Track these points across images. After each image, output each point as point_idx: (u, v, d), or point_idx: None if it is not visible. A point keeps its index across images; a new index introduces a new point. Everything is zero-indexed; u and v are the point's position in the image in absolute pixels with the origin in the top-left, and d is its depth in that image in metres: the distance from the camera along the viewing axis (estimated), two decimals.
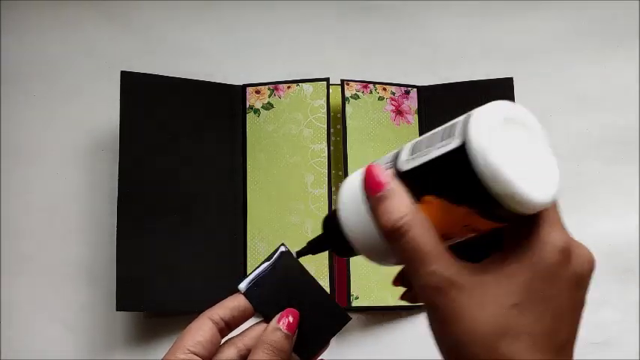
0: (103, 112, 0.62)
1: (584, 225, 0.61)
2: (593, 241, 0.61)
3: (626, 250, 0.60)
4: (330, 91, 0.60)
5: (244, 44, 0.65)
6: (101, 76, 0.63)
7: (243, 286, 0.40)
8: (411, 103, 0.61)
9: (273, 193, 0.59)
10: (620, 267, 0.60)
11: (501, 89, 0.60)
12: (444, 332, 0.31)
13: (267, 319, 0.39)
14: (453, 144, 0.28)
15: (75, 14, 0.65)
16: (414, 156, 0.29)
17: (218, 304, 0.41)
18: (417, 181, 0.29)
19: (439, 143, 0.29)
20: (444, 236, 0.30)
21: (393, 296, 0.57)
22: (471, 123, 0.28)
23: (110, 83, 0.60)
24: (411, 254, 0.29)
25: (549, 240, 0.30)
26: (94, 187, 0.61)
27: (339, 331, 0.40)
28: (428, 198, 0.29)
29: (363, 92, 0.60)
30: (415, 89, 0.61)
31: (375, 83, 0.61)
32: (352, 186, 0.32)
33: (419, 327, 0.58)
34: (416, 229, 0.29)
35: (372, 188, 0.31)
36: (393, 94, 0.61)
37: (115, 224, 0.55)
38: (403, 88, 0.61)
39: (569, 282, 0.31)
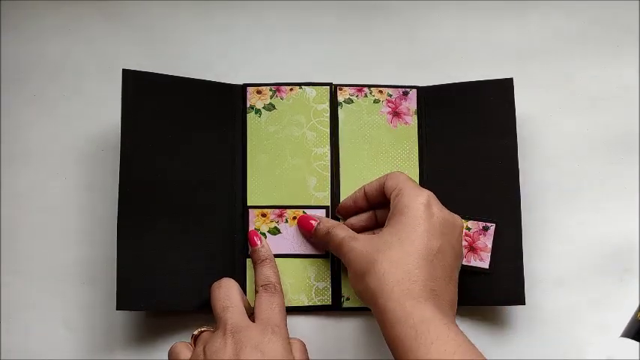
0: (103, 112, 0.62)
1: (584, 225, 0.61)
2: (593, 241, 0.62)
3: (626, 250, 0.60)
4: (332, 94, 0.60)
5: (244, 44, 0.65)
6: (101, 76, 0.63)
7: None
8: (410, 104, 0.61)
9: (275, 195, 0.59)
10: (620, 267, 0.60)
11: (502, 90, 0.60)
12: (345, 264, 0.52)
13: None
14: None
15: (75, 14, 0.65)
16: None
17: None
18: None
19: None
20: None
21: None
22: None
23: (110, 83, 0.60)
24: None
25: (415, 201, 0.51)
26: (94, 187, 0.61)
27: None
28: None
29: (357, 96, 0.60)
30: (414, 90, 0.61)
31: (370, 86, 0.61)
32: None
33: None
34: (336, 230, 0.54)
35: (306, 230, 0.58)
36: (390, 95, 0.61)
37: (115, 224, 0.55)
38: (401, 90, 0.61)
39: (433, 228, 0.49)
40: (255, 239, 0.57)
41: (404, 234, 0.48)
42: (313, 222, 0.56)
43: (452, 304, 0.48)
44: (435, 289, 0.46)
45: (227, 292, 0.53)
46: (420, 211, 0.49)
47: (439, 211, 0.50)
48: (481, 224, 0.57)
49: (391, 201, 0.52)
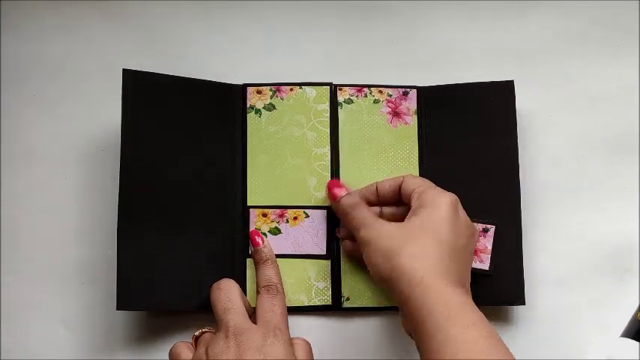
0: (103, 112, 0.62)
1: (584, 225, 0.61)
2: (593, 241, 0.62)
3: (626, 250, 0.60)
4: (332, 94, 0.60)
5: (244, 44, 0.65)
6: (101, 76, 0.63)
7: None
8: (410, 104, 0.61)
9: (275, 195, 0.59)
10: (620, 267, 0.60)
11: (502, 92, 0.60)
12: (364, 253, 0.51)
13: None
14: None
15: (75, 14, 0.65)
16: None
17: None
18: None
19: None
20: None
21: (384, 297, 0.58)
22: None
23: (110, 83, 0.60)
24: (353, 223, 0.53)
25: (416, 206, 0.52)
26: (94, 187, 0.61)
27: None
28: None
29: (357, 96, 0.60)
30: (414, 90, 0.61)
31: (370, 86, 0.60)
32: None
33: None
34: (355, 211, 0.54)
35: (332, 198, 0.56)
36: (390, 95, 0.61)
37: (115, 224, 0.55)
38: (401, 90, 0.61)
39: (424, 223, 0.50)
40: (257, 239, 0.57)
41: (433, 226, 0.49)
42: (339, 191, 0.56)
43: (469, 296, 0.49)
44: (457, 280, 0.47)
45: (227, 293, 0.53)
46: (448, 209, 0.50)
47: (464, 214, 0.51)
48: (481, 226, 0.57)
49: (413, 198, 0.52)
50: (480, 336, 0.43)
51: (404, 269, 0.47)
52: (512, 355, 0.44)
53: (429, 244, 0.48)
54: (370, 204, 0.56)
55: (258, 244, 0.57)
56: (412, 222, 0.50)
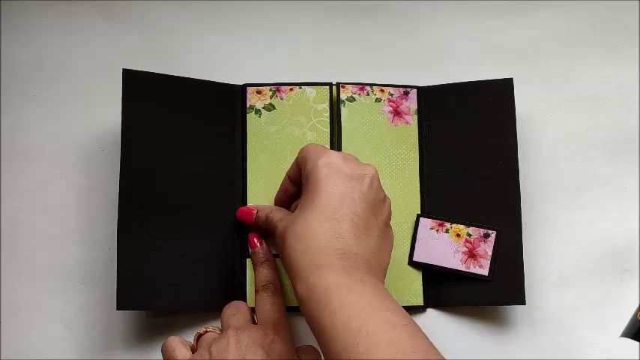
0: (103, 112, 0.62)
1: (584, 225, 0.61)
2: (593, 241, 0.62)
3: (626, 250, 0.60)
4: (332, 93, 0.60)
5: (243, 43, 0.65)
6: (101, 76, 0.63)
7: None
8: (411, 103, 0.61)
9: (274, 194, 0.59)
10: (620, 267, 0.60)
11: (501, 90, 0.60)
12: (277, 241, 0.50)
13: None
14: None
15: (75, 14, 0.65)
16: None
17: None
18: None
19: None
20: None
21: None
22: None
23: (110, 83, 0.60)
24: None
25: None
26: (94, 187, 0.61)
27: None
28: None
29: (359, 94, 0.60)
30: (415, 90, 0.61)
31: (372, 85, 0.61)
32: None
33: None
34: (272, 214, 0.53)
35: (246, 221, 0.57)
36: (391, 95, 0.61)
37: (115, 224, 0.55)
38: (402, 89, 0.61)
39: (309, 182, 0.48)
40: (255, 241, 0.57)
41: (306, 201, 0.46)
42: (253, 211, 0.56)
43: (370, 257, 0.45)
44: (342, 248, 0.44)
45: (236, 305, 0.53)
46: (321, 173, 0.47)
47: (343, 164, 0.47)
48: (482, 231, 0.57)
49: (302, 175, 0.50)
50: (350, 317, 0.40)
51: (288, 271, 0.45)
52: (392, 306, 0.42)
53: (302, 228, 0.45)
54: (294, 195, 0.55)
55: (255, 246, 0.57)
56: (296, 210, 0.48)
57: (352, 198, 0.46)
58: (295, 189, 0.55)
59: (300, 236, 0.45)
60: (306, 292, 0.43)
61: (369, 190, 0.47)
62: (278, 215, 0.53)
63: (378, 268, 0.46)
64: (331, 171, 0.47)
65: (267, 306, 0.52)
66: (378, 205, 0.48)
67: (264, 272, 0.55)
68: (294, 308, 0.57)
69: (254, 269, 0.56)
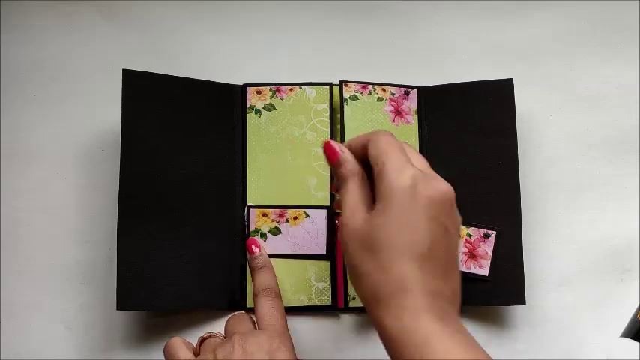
0: (103, 112, 0.62)
1: (584, 225, 0.61)
2: (593, 241, 0.62)
3: (626, 250, 0.60)
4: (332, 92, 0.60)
5: (243, 45, 0.65)
6: (101, 76, 0.63)
7: None
8: (411, 103, 0.61)
9: (275, 195, 0.59)
10: (620, 267, 0.60)
11: (501, 90, 0.60)
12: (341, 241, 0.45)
13: None
14: None
15: (75, 14, 0.65)
16: None
17: None
18: None
19: None
20: None
21: None
22: None
23: (110, 83, 0.60)
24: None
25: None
26: (94, 187, 0.61)
27: None
28: None
29: (362, 93, 0.60)
30: (415, 90, 0.61)
31: (374, 84, 0.61)
32: None
33: None
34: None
35: (329, 160, 0.47)
36: (393, 94, 0.61)
37: (115, 224, 0.55)
38: (403, 89, 0.61)
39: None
40: (253, 247, 0.57)
41: (390, 229, 0.42)
42: (338, 152, 0.46)
43: (454, 296, 0.43)
44: (433, 290, 0.41)
45: (240, 315, 0.53)
46: (404, 198, 0.42)
47: (425, 188, 0.42)
48: (482, 231, 0.57)
49: (374, 176, 0.44)
50: None
51: (368, 298, 0.43)
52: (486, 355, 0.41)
53: (388, 261, 0.41)
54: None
55: (253, 251, 0.57)
56: (374, 227, 0.42)
57: (437, 233, 0.42)
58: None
59: (389, 269, 0.41)
60: (399, 332, 0.40)
61: (448, 219, 0.43)
62: (354, 196, 0.45)
63: (458, 305, 0.43)
64: (414, 197, 0.42)
65: (268, 311, 0.52)
66: (455, 233, 0.44)
67: (264, 277, 0.55)
68: (294, 309, 0.57)
69: (252, 274, 0.56)
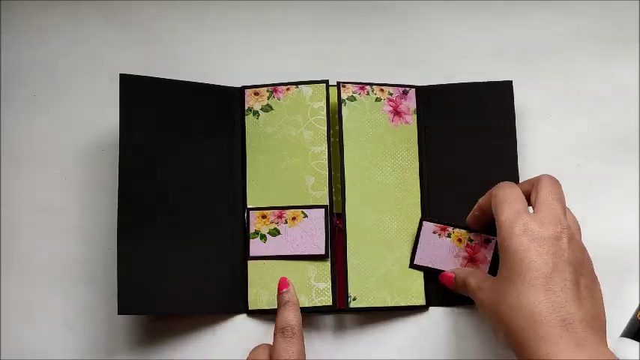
0: (102, 112, 0.62)
1: (584, 225, 0.61)
2: (592, 241, 0.62)
3: (626, 250, 0.60)
4: (330, 92, 0.60)
5: (242, 45, 0.65)
6: (101, 76, 0.63)
7: None
8: (410, 103, 0.61)
9: (274, 196, 0.59)
10: (620, 267, 0.60)
11: (501, 92, 0.60)
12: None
13: None
14: None
15: (75, 14, 0.65)
16: None
17: None
18: None
19: None
20: None
21: (391, 297, 0.57)
22: None
23: (110, 83, 0.60)
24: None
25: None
26: (94, 187, 0.61)
27: None
28: None
29: (359, 94, 0.60)
30: (414, 89, 0.61)
31: (372, 84, 0.60)
32: None
33: (416, 327, 0.58)
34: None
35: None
36: (391, 94, 0.61)
37: (115, 224, 0.55)
38: (401, 89, 0.61)
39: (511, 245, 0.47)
40: (286, 282, 0.56)
41: (511, 272, 0.45)
42: (452, 276, 0.56)
43: (591, 321, 0.44)
44: (565, 319, 0.43)
45: (262, 350, 0.53)
46: (521, 243, 0.46)
47: (540, 229, 0.46)
48: (483, 237, 0.57)
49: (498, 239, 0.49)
50: None
51: (511, 343, 0.45)
52: None
53: (515, 301, 0.45)
54: (488, 221, 0.54)
55: (285, 286, 0.56)
56: (498, 278, 0.48)
57: (558, 264, 0.45)
58: (486, 216, 0.54)
59: (517, 309, 0.44)
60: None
61: (571, 251, 0.46)
62: (475, 281, 0.52)
63: (601, 330, 0.45)
64: (530, 239, 0.45)
65: (284, 352, 0.50)
66: (580, 262, 0.47)
67: (285, 315, 0.53)
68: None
69: (277, 309, 0.54)
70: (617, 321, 0.58)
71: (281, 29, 0.65)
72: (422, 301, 0.58)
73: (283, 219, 0.58)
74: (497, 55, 0.64)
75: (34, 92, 0.64)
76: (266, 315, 0.58)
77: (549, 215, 0.47)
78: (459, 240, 0.58)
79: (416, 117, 0.61)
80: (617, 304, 0.59)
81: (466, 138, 0.60)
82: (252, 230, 0.58)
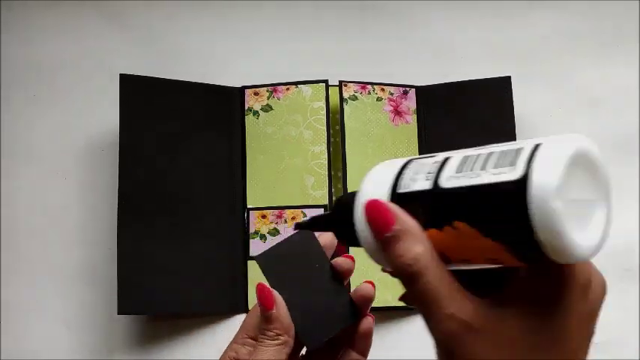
0: (103, 112, 0.62)
1: None
2: None
3: (626, 250, 0.60)
4: (329, 92, 0.60)
5: (243, 45, 0.65)
6: (101, 76, 0.63)
7: (257, 255, 0.36)
8: (410, 103, 0.61)
9: (273, 196, 0.59)
10: (620, 267, 0.60)
11: (499, 88, 0.60)
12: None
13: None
14: (511, 175, 0.24)
15: (75, 15, 0.65)
16: (459, 174, 0.26)
17: None
18: (454, 203, 0.26)
19: (494, 169, 0.25)
20: (459, 262, 0.27)
21: (393, 296, 0.57)
22: (539, 157, 0.23)
23: (110, 83, 0.60)
24: (424, 300, 0.27)
25: (571, 278, 0.27)
26: (94, 187, 0.61)
27: (349, 327, 0.37)
28: (458, 224, 0.26)
29: (361, 93, 0.60)
30: (414, 89, 0.61)
31: (373, 84, 0.60)
32: (380, 179, 0.28)
33: (419, 327, 0.58)
34: (429, 275, 0.27)
35: (378, 230, 0.27)
36: (392, 94, 0.61)
37: (115, 224, 0.55)
38: (401, 89, 0.61)
39: (587, 317, 0.29)
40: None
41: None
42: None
43: None
44: None
45: None
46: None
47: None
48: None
49: None
50: None
51: None
52: None
53: None
54: None
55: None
56: (530, 321, 0.28)
57: (590, 340, 0.31)
58: None
59: None
60: None
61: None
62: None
63: None
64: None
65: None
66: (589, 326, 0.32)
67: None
68: None
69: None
70: (617, 321, 0.58)
71: (281, 29, 0.65)
72: None
73: (283, 219, 0.58)
74: (497, 55, 0.64)
75: (33, 92, 0.63)
76: None
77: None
78: None
79: (416, 117, 0.61)
80: (617, 304, 0.59)
81: (466, 136, 0.60)
82: (252, 230, 0.58)
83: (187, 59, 0.64)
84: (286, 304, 0.34)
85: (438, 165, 0.27)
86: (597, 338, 0.59)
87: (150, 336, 0.58)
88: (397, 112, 0.60)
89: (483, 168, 0.25)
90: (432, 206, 0.26)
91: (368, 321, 0.38)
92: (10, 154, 0.62)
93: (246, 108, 0.60)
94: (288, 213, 0.58)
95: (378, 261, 0.29)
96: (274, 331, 0.34)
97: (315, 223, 0.33)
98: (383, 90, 0.61)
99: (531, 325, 0.27)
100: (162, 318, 0.58)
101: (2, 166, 0.62)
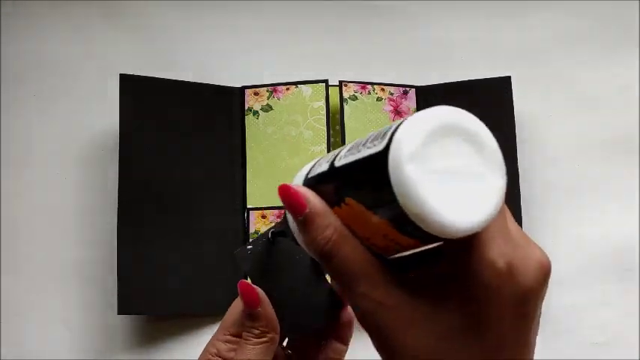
0: (103, 113, 0.62)
1: (584, 225, 0.61)
2: (593, 241, 0.61)
3: (626, 250, 0.60)
4: (329, 92, 0.60)
5: (243, 45, 0.65)
6: (101, 76, 0.63)
7: (236, 251, 0.36)
8: (410, 103, 0.61)
9: (273, 196, 0.59)
10: (620, 267, 0.60)
11: (499, 88, 0.60)
12: (380, 353, 0.29)
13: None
14: (378, 146, 0.24)
15: (75, 15, 0.65)
16: (348, 153, 0.26)
17: None
18: (341, 179, 0.27)
19: (370, 143, 0.25)
20: (365, 241, 0.27)
21: None
22: (401, 127, 0.24)
23: (110, 83, 0.60)
24: (339, 279, 0.28)
25: (486, 260, 0.26)
26: (94, 187, 0.61)
27: (331, 319, 0.36)
28: (349, 199, 0.26)
29: (361, 93, 0.60)
30: (413, 89, 0.61)
31: (373, 84, 0.60)
32: (302, 170, 0.30)
33: None
34: (341, 254, 0.27)
35: (292, 212, 0.28)
36: (392, 94, 0.61)
37: (115, 224, 0.55)
38: (401, 89, 0.61)
39: (512, 301, 0.26)
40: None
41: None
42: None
43: None
44: None
45: None
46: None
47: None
48: None
49: None
50: None
51: None
52: None
53: (474, 352, 0.27)
54: None
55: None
56: (445, 305, 0.27)
57: (526, 329, 0.28)
58: None
59: None
60: None
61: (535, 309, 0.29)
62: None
63: None
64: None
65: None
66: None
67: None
68: None
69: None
70: (617, 321, 0.58)
71: (281, 29, 0.65)
72: None
73: None
74: (497, 55, 0.64)
75: (33, 92, 0.63)
76: None
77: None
78: None
79: None
80: (617, 304, 0.59)
81: None
82: (252, 230, 0.58)
83: (187, 59, 0.64)
84: (269, 299, 0.34)
85: (340, 149, 0.28)
86: (597, 338, 0.60)
87: (150, 336, 0.58)
88: (397, 112, 0.60)
89: (364, 145, 0.26)
90: (329, 186, 0.27)
91: (349, 311, 0.37)
92: (10, 154, 0.62)
93: (246, 108, 0.60)
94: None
95: (305, 247, 0.29)
96: (260, 329, 0.33)
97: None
98: (383, 90, 0.61)
99: (446, 313, 0.27)
100: (162, 318, 0.58)
101: (2, 166, 0.62)
